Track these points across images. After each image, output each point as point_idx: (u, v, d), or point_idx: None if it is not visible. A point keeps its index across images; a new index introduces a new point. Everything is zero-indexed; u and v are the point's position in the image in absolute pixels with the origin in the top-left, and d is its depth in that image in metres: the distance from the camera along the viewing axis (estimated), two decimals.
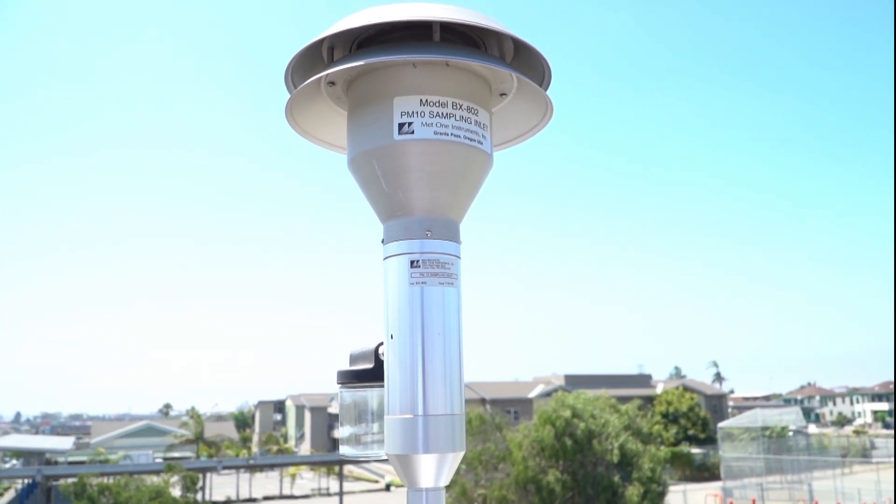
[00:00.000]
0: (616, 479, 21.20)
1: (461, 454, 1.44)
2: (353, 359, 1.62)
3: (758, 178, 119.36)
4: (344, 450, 1.62)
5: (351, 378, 1.59)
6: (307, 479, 47.03)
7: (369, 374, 1.56)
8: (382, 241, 1.48)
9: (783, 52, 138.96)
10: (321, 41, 1.47)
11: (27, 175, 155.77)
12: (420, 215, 1.44)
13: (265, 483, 46.18)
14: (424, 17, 1.37)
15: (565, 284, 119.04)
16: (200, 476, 35.89)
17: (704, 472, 42.02)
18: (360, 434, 1.61)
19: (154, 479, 31.58)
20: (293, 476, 44.16)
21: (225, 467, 38.70)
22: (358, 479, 46.79)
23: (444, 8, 1.39)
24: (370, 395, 1.58)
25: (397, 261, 1.43)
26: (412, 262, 1.42)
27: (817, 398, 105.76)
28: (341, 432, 1.63)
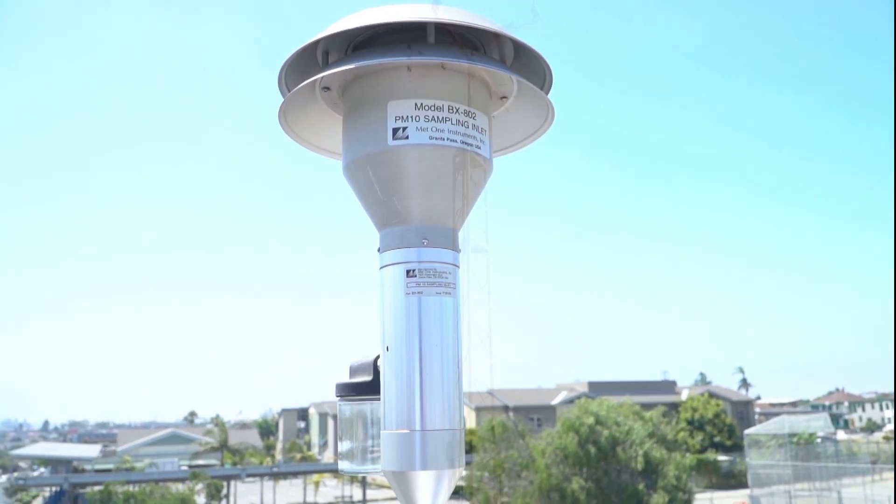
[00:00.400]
0: (641, 486, 21.02)
1: (460, 471, 1.39)
2: (353, 371, 1.58)
3: (782, 184, 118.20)
4: (343, 465, 1.57)
5: (350, 391, 1.55)
6: (331, 487, 47.10)
7: (368, 386, 1.51)
8: (378, 250, 1.43)
9: (796, 52, 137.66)
10: (315, 45, 1.43)
11: (46, 180, 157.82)
12: (416, 223, 1.39)
13: (289, 490, 46.31)
14: (418, 18, 1.33)
15: (588, 290, 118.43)
16: (225, 484, 36.11)
17: (731, 480, 41.54)
18: (360, 449, 1.56)
19: (179, 487, 31.82)
20: (317, 483, 44.23)
21: (249, 475, 38.85)
22: (381, 486, 46.76)
23: (440, 9, 1.35)
24: (369, 408, 1.54)
25: (393, 270, 1.39)
26: (408, 272, 1.37)
27: (846, 404, 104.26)
28: (341, 447, 1.58)
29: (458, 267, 1.42)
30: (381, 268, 1.42)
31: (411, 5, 1.36)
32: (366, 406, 1.54)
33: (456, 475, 1.37)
